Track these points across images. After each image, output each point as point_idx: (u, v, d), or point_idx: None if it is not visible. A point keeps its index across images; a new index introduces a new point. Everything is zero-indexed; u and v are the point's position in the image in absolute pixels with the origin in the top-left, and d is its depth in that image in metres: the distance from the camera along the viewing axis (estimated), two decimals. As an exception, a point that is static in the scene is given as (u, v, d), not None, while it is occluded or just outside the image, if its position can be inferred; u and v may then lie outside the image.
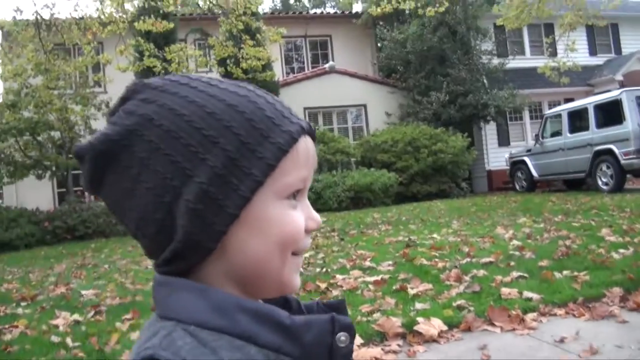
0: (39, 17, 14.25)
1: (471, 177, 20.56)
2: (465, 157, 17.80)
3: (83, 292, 6.41)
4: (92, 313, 5.32)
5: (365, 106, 20.65)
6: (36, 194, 18.69)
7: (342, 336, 0.70)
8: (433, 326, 3.90)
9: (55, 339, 4.52)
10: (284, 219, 0.70)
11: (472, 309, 4.22)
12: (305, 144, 0.73)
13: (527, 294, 4.46)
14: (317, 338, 0.69)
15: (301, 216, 0.73)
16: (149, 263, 8.61)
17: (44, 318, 5.34)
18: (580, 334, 3.71)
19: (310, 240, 0.78)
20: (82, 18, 13.75)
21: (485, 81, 20.22)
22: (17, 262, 11.40)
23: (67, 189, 17.74)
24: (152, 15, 12.75)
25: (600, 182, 14.56)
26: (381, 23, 21.56)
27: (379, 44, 22.81)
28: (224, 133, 0.67)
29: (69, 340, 4.41)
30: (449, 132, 18.24)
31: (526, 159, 17.42)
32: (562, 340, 3.63)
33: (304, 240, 0.74)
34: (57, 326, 4.94)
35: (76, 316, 5.21)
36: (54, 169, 17.13)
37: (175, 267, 0.70)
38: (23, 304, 6.19)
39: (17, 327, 5.07)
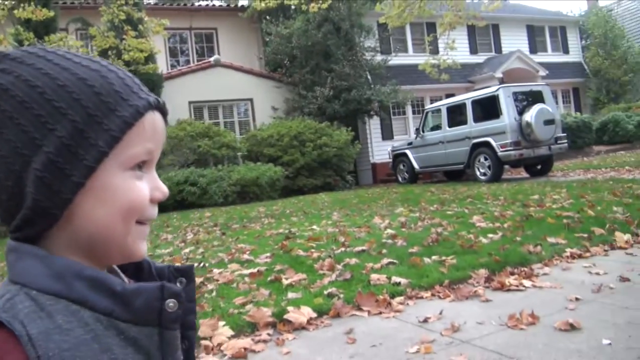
0: None
1: (356, 169, 20.98)
2: (350, 151, 18.10)
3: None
4: None
5: (251, 100, 20.59)
6: None
7: (170, 302, 0.74)
8: (303, 314, 3.97)
9: None
10: (128, 188, 0.73)
11: (342, 296, 4.32)
12: (153, 118, 0.77)
13: (396, 279, 4.62)
14: (146, 303, 0.72)
15: (146, 186, 0.76)
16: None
17: None
18: (443, 313, 3.89)
19: (157, 210, 0.80)
20: (-43, 5, 13.01)
21: (369, 77, 20.65)
22: None
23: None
24: (32, 3, 12.20)
25: (478, 173, 15.26)
26: (267, 17, 21.59)
27: (265, 39, 22.81)
28: (73, 105, 0.70)
29: None
30: (334, 126, 18.48)
31: (408, 151, 17.97)
32: (425, 321, 3.79)
33: (150, 209, 0.77)
34: None
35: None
36: None
37: (25, 234, 0.73)
38: None
39: None
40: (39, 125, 0.69)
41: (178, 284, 0.83)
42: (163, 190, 0.79)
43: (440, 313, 3.90)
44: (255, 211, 12.08)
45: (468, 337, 3.46)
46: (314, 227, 8.22)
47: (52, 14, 12.53)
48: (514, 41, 25.87)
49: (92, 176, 0.71)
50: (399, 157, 18.52)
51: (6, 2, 12.08)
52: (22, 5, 12.00)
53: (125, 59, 12.99)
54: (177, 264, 0.88)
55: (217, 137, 17.30)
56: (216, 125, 19.01)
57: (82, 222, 0.73)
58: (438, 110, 17.18)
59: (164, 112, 0.81)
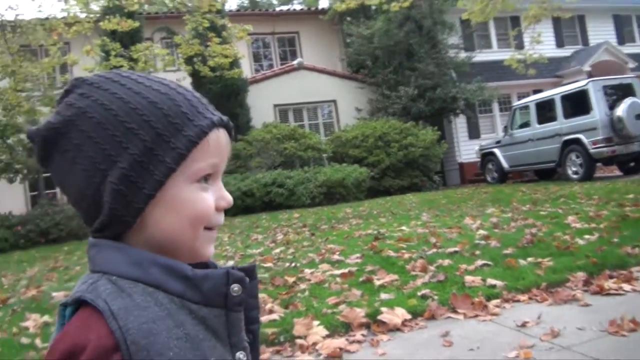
0: (3, 19, 14.08)
1: (443, 170, 20.69)
2: (436, 151, 17.83)
3: (54, 294, 6.35)
4: None
5: (335, 102, 20.62)
6: (8, 198, 18.43)
7: (235, 287, 0.84)
8: (397, 315, 3.94)
9: (25, 340, 4.56)
10: (194, 199, 0.83)
11: (436, 297, 4.27)
12: (217, 136, 0.86)
13: (491, 281, 4.52)
14: (214, 287, 0.82)
15: (211, 197, 0.85)
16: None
17: (15, 320, 5.35)
18: (542, 318, 3.78)
19: (223, 217, 0.89)
20: (46, 18, 13.62)
21: (453, 75, 20.33)
22: (-12, 267, 11.24)
23: (39, 192, 17.54)
24: (117, 15, 12.64)
25: (570, 172, 14.74)
26: (348, 19, 21.59)
27: (346, 40, 22.82)
28: (144, 126, 0.80)
29: (38, 342, 4.43)
30: (419, 126, 18.27)
31: (496, 150, 17.57)
32: (523, 325, 3.69)
33: (215, 217, 0.87)
34: (27, 328, 4.98)
35: (46, 318, 5.19)
36: (25, 172, 16.89)
37: (104, 235, 0.84)
38: None
39: None
40: (114, 143, 0.80)
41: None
42: (228, 199, 0.89)
43: (539, 317, 3.79)
44: (342, 212, 12.10)
45: (568, 343, 3.35)
46: (403, 227, 8.15)
47: (137, 24, 12.93)
48: (601, 32, 24.78)
49: (161, 189, 0.81)
50: (487, 156, 18.13)
51: (91, 15, 12.55)
52: (107, 17, 12.44)
53: (210, 65, 13.28)
54: (241, 265, 0.93)
55: (303, 139, 17.40)
56: (301, 127, 19.12)
57: (153, 229, 0.83)
58: (526, 107, 16.72)
59: (228, 128, 0.90)
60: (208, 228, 0.87)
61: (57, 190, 19.92)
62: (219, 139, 0.86)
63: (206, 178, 0.85)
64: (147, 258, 0.81)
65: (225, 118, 0.89)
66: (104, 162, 0.80)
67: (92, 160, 0.80)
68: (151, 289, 0.79)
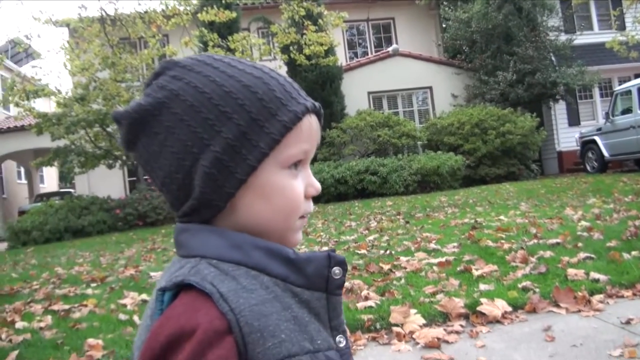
0: (103, 13, 14.67)
1: (541, 158, 20.13)
2: (535, 138, 17.34)
3: (152, 273, 6.59)
4: None
5: (430, 88, 20.39)
6: (107, 183, 19.34)
7: (336, 269, 0.83)
8: (497, 307, 3.88)
9: (123, 317, 4.73)
10: (284, 187, 0.83)
11: (537, 290, 4.17)
12: (309, 122, 0.85)
13: (594, 275, 4.37)
14: (316, 270, 0.82)
15: (301, 184, 0.85)
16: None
17: (113, 298, 5.55)
18: (647, 315, 3.64)
19: (312, 204, 0.89)
20: (146, 12, 14.07)
21: (553, 59, 19.67)
22: (88, 247, 11.78)
23: (137, 177, 18.25)
24: (214, 6, 12.92)
25: (673, 161, 14.01)
26: (445, 3, 21.27)
27: (443, 25, 22.48)
28: (238, 110, 0.79)
29: (135, 318, 4.59)
30: (517, 112, 17.83)
31: (597, 138, 16.83)
32: (628, 322, 3.55)
33: (305, 205, 0.87)
34: (125, 305, 5.15)
35: (144, 296, 5.39)
36: (124, 158, 17.60)
37: (192, 220, 0.83)
38: (93, 285, 6.44)
39: (86, 306, 5.28)
40: (207, 127, 0.79)
41: None
42: (316, 187, 0.88)
43: (644, 315, 3.64)
44: (437, 200, 11.99)
45: (675, 342, 3.20)
46: (501, 217, 8.01)
47: (234, 15, 13.18)
48: None
49: (253, 174, 0.80)
50: (587, 144, 17.38)
51: (189, 7, 12.87)
52: (205, 8, 12.73)
53: (306, 53, 13.38)
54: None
55: (397, 126, 17.32)
56: (395, 114, 19.04)
57: (243, 214, 0.82)
58: (628, 92, 15.90)
59: (319, 114, 0.88)
60: (300, 217, 0.86)
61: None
62: (312, 125, 0.85)
63: (296, 164, 0.84)
64: (248, 241, 0.80)
65: (317, 104, 0.88)
66: (197, 146, 0.79)
67: (184, 143, 0.79)
68: (254, 272, 0.78)
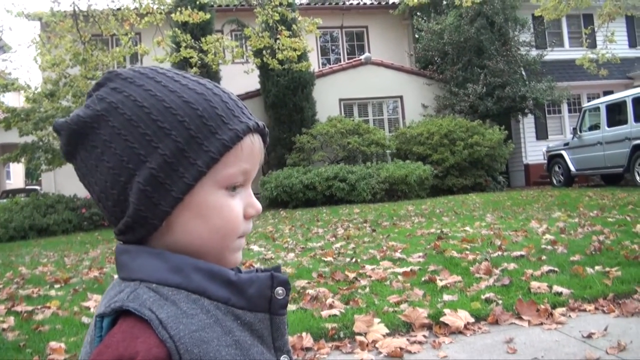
0: (76, 8, 14.47)
1: (508, 170, 20.34)
2: (502, 151, 17.52)
3: (116, 276, 6.50)
4: None
5: (401, 98, 20.49)
6: (74, 182, 18.77)
7: (279, 289, 0.82)
8: (460, 318, 3.90)
9: (86, 320, 4.66)
10: (222, 206, 0.81)
11: (500, 302, 4.20)
12: (251, 141, 0.83)
13: (557, 288, 4.42)
14: (258, 291, 0.81)
15: (239, 204, 0.83)
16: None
17: (76, 300, 5.52)
18: (608, 330, 3.68)
19: (252, 224, 0.88)
20: (119, 9, 13.94)
21: (523, 73, 19.93)
22: (53, 246, 11.65)
23: (105, 177, 17.98)
24: (188, 7, 12.84)
25: (638, 177, 14.25)
26: (418, 14, 21.40)
27: (415, 35, 22.62)
28: (177, 126, 0.77)
29: None
30: (486, 124, 18.02)
31: (564, 152, 17.09)
32: (589, 336, 3.60)
33: (244, 225, 0.85)
34: (88, 308, 5.08)
35: (107, 299, 5.34)
36: (92, 157, 17.36)
37: (128, 238, 0.82)
38: (56, 286, 6.39)
39: (49, 307, 5.23)
40: (144, 142, 0.77)
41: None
42: (257, 207, 0.86)
43: (605, 329, 3.68)
44: (404, 209, 12.04)
45: (635, 357, 3.25)
46: (467, 228, 8.06)
47: (208, 16, 13.09)
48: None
49: (190, 192, 0.78)
50: (554, 158, 17.65)
51: (163, 7, 12.77)
52: (179, 9, 12.64)
53: (279, 58, 13.36)
54: (266, 267, 0.90)
55: (367, 134, 17.38)
56: (365, 122, 19.09)
57: (180, 234, 0.80)
58: (597, 109, 16.18)
59: (263, 134, 0.87)
60: (238, 237, 0.85)
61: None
62: (253, 144, 0.84)
63: (234, 185, 0.83)
64: (188, 263, 0.78)
65: (261, 123, 0.86)
66: (132, 161, 0.77)
67: (119, 158, 0.77)
68: (195, 295, 0.76)
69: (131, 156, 0.77)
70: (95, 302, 5.22)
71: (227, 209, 0.81)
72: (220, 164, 0.79)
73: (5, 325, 4.69)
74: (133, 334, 0.71)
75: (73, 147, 0.82)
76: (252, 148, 0.83)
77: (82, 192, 17.99)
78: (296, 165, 16.76)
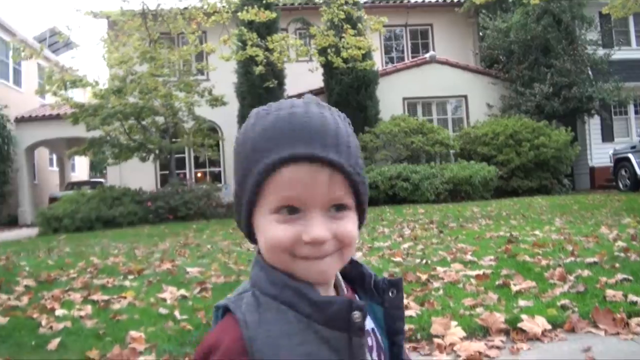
0: (145, 7, 14.85)
1: (573, 173, 19.95)
2: (568, 153, 17.22)
3: (188, 269, 6.68)
4: (198, 289, 5.57)
5: (465, 97, 20.34)
6: (139, 175, 19.56)
7: (356, 314, 0.89)
8: (537, 324, 3.90)
9: (163, 311, 4.81)
10: (266, 229, 0.91)
11: (576, 309, 4.17)
12: (294, 171, 0.87)
13: (632, 297, 4.36)
14: (337, 313, 0.88)
15: (285, 229, 0.89)
16: (250, 246, 8.88)
17: (152, 291, 5.64)
18: (688, 342, 3.63)
19: (314, 249, 0.90)
20: (186, 8, 14.21)
21: (590, 73, 19.49)
22: (121, 238, 11.93)
23: (170, 171, 18.41)
24: (255, 5, 13.01)
25: None
26: (484, 11, 21.13)
27: (480, 33, 22.36)
28: (243, 158, 0.94)
29: (176, 313, 4.66)
30: (552, 125, 17.71)
31: (631, 156, 16.58)
32: (667, 347, 3.56)
33: (302, 248, 0.90)
34: (164, 299, 5.23)
35: (183, 291, 5.48)
36: (157, 152, 17.81)
37: (249, 242, 0.99)
38: (130, 277, 6.54)
39: (125, 297, 5.37)
40: (236, 165, 0.95)
41: (390, 294, 1.03)
42: (310, 234, 0.88)
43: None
44: (469, 211, 11.97)
45: None
46: (536, 232, 7.98)
47: (274, 15, 13.26)
48: None
49: (253, 210, 0.93)
50: (621, 161, 17.16)
51: (229, 6, 12.98)
52: (245, 8, 12.82)
53: (343, 57, 13.41)
54: (390, 277, 1.05)
55: (431, 133, 17.32)
56: (429, 121, 19.01)
57: (259, 241, 0.94)
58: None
59: (320, 161, 0.87)
60: (302, 257, 0.90)
61: (187, 170, 20.89)
62: (298, 173, 0.87)
63: (290, 210, 0.89)
64: (281, 280, 0.90)
65: (307, 152, 0.87)
66: (234, 176, 0.97)
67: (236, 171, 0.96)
68: (284, 307, 0.88)
69: (234, 173, 0.97)
70: (170, 294, 5.38)
71: (270, 231, 0.90)
72: (265, 191, 0.90)
73: (82, 313, 4.83)
74: (226, 328, 0.88)
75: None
76: (293, 177, 0.87)
77: (146, 185, 18.51)
78: (359, 164, 16.81)
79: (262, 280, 0.92)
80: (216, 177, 21.50)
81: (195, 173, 21.82)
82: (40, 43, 21.11)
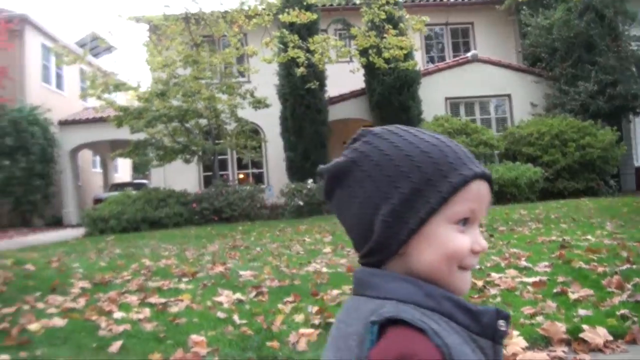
0: (187, 11, 15.01)
1: (619, 173, 19.57)
2: (615, 153, 16.84)
3: (241, 272, 6.71)
4: (254, 293, 5.60)
5: (509, 96, 20.08)
6: (182, 177, 19.86)
7: (501, 322, 0.96)
8: (598, 335, 3.87)
9: (221, 314, 4.84)
10: (449, 238, 0.96)
11: (635, 319, 4.11)
12: (478, 187, 0.98)
13: (696, 308, 4.29)
14: (489, 321, 0.95)
15: (466, 238, 0.97)
16: (299, 249, 8.97)
17: (207, 294, 5.67)
18: None
19: (477, 260, 1.01)
20: (227, 12, 14.33)
21: (634, 70, 19.09)
22: (169, 239, 12.12)
23: (213, 172, 18.64)
24: (295, 7, 13.04)
25: None
26: (525, 8, 20.84)
27: (522, 31, 22.08)
28: (414, 170, 0.95)
29: (235, 318, 4.70)
30: (598, 125, 17.41)
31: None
32: None
33: (469, 258, 0.99)
34: (221, 303, 5.27)
35: (238, 295, 5.52)
36: (200, 153, 18.05)
37: (368, 261, 1.01)
38: (184, 279, 6.58)
39: (182, 300, 5.41)
40: (388, 182, 0.96)
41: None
42: (482, 245, 1.00)
43: None
44: (516, 213, 11.84)
45: None
46: (588, 236, 7.87)
47: (314, 16, 13.25)
48: None
49: (423, 225, 0.95)
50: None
51: (269, 8, 13.04)
52: (286, 10, 12.86)
53: (385, 57, 13.36)
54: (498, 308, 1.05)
55: (475, 134, 17.12)
56: (472, 121, 18.83)
57: (412, 259, 0.97)
58: None
59: (489, 181, 1.01)
60: (462, 268, 0.98)
61: (229, 172, 21.08)
62: (480, 189, 0.98)
63: (465, 221, 0.97)
64: (439, 292, 0.94)
65: (487, 171, 1.00)
66: (378, 197, 0.96)
67: (368, 195, 0.97)
68: (445, 318, 0.91)
69: (377, 193, 0.96)
70: (226, 298, 5.41)
71: (453, 241, 0.95)
72: (450, 202, 0.95)
73: (141, 316, 4.88)
74: (410, 339, 0.86)
75: (331, 187, 1.04)
76: (479, 192, 0.98)
77: (190, 187, 18.76)
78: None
79: (413, 294, 0.94)
80: (258, 179, 21.63)
81: (238, 174, 21.99)
82: (82, 48, 21.56)
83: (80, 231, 17.44)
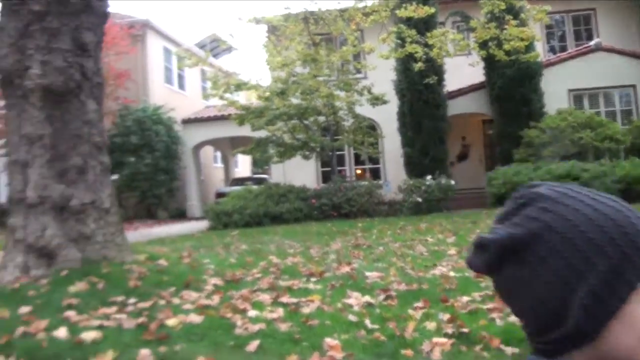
0: (307, 11, 15.31)
1: None
2: None
3: (367, 273, 6.63)
4: (382, 297, 5.49)
5: (634, 87, 19.09)
6: (301, 172, 20.28)
7: None
8: None
9: (352, 318, 4.76)
10: None
11: None
12: None
13: None
14: None
15: None
16: (422, 249, 8.93)
17: (336, 296, 5.60)
18: None
19: None
20: (344, 10, 14.48)
21: None
22: (291, 235, 12.39)
23: (332, 168, 18.94)
24: (413, 2, 12.99)
25: None
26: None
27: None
28: (609, 243, 0.84)
29: (367, 322, 4.61)
30: None
31: None
32: None
33: None
34: (351, 305, 5.17)
35: (367, 298, 5.40)
36: (319, 150, 18.42)
37: (555, 347, 0.89)
38: (312, 279, 6.52)
39: (312, 301, 5.33)
40: (582, 259, 0.84)
41: None
42: None
43: None
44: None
45: None
46: None
47: (432, 10, 13.16)
48: None
49: (622, 306, 0.83)
50: None
51: (389, 4, 13.04)
52: (404, 5, 12.82)
53: (505, 49, 13.09)
54: None
55: (600, 128, 16.41)
56: (596, 114, 18.01)
57: (607, 346, 0.84)
58: None
59: None
60: None
61: (347, 167, 21.29)
62: None
63: None
64: None
65: None
66: (573, 277, 0.84)
67: (558, 274, 0.85)
68: None
69: (571, 272, 0.84)
70: (355, 300, 5.32)
71: None
72: None
73: (275, 316, 4.84)
74: None
75: (500, 260, 0.90)
76: None
77: (308, 182, 19.15)
78: (524, 161, 16.37)
79: None
80: (375, 174, 21.74)
81: (355, 170, 22.21)
82: (203, 50, 22.45)
83: (203, 224, 18.25)
